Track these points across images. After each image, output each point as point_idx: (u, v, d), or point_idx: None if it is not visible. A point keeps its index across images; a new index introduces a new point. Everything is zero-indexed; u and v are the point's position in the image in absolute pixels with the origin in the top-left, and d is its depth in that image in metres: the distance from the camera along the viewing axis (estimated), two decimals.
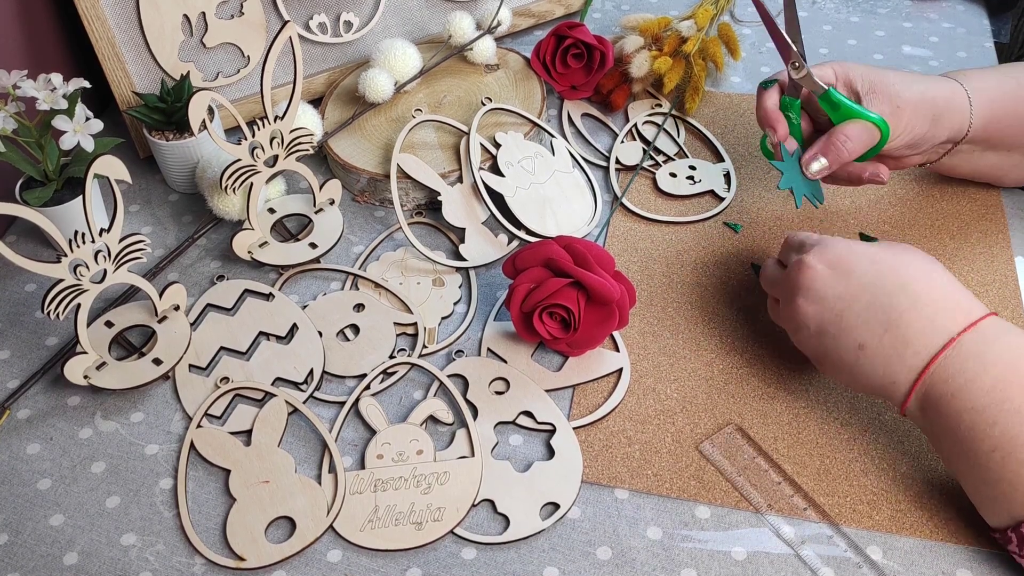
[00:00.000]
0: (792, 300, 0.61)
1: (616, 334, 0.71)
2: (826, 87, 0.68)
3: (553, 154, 0.84)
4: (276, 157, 0.76)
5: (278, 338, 0.73)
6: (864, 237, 0.75)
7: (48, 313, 0.64)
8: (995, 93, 0.70)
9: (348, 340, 0.72)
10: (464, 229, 0.79)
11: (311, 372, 0.70)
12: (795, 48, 0.68)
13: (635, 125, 0.89)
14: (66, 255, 0.64)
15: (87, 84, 0.73)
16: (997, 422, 0.53)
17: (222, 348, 0.72)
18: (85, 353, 0.68)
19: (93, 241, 0.65)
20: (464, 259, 0.77)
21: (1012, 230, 0.77)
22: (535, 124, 0.86)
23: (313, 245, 0.79)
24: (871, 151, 0.68)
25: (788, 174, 0.68)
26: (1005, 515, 0.54)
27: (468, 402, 0.67)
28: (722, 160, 0.86)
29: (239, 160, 0.73)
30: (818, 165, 0.68)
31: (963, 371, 0.54)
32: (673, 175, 0.84)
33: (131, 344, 0.73)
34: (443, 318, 0.74)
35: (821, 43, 0.99)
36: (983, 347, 0.54)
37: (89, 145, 0.72)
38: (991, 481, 0.54)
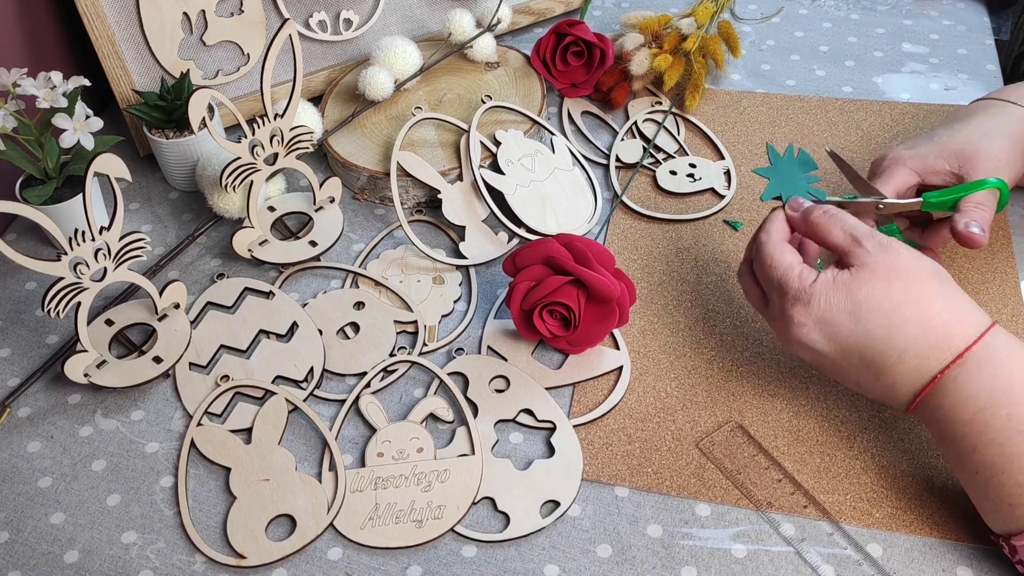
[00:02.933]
0: (785, 341, 0.60)
1: (616, 332, 0.71)
2: (920, 200, 0.65)
3: (553, 152, 0.84)
4: (276, 155, 0.76)
5: (278, 336, 0.73)
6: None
7: (48, 311, 0.64)
8: None
9: (348, 338, 0.72)
10: (464, 227, 0.79)
11: (311, 370, 0.70)
12: (873, 192, 0.65)
13: (635, 123, 0.89)
14: (66, 253, 0.64)
15: (87, 82, 0.73)
16: (976, 449, 0.54)
17: (222, 346, 0.72)
18: (85, 351, 0.68)
19: (93, 239, 0.65)
20: (464, 257, 0.77)
21: (1013, 228, 0.77)
22: (535, 122, 0.86)
23: (313, 243, 0.79)
24: (997, 208, 0.66)
25: (775, 181, 0.63)
26: (997, 524, 0.55)
27: (468, 400, 0.67)
28: (722, 158, 0.86)
29: (239, 158, 0.73)
30: (977, 228, 0.64)
31: (943, 406, 0.55)
32: (673, 173, 0.84)
33: (131, 342, 0.73)
34: (443, 316, 0.74)
35: (821, 41, 0.99)
36: (965, 380, 0.54)
37: (89, 143, 0.72)
38: (980, 494, 0.56)
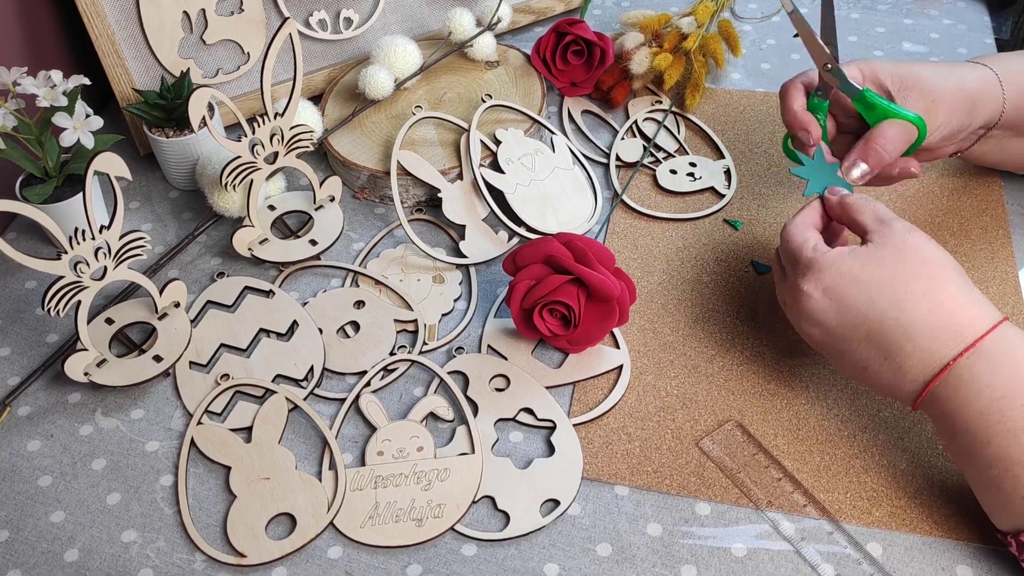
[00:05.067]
0: (794, 317, 0.61)
1: (616, 331, 0.71)
2: (860, 88, 0.66)
3: (553, 151, 0.84)
4: (276, 154, 0.76)
5: (278, 335, 0.73)
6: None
7: (48, 310, 0.64)
8: None
9: (348, 337, 0.72)
10: (464, 226, 0.79)
11: (311, 369, 0.70)
12: (828, 50, 0.66)
13: (635, 122, 0.89)
14: (66, 252, 0.64)
15: (87, 81, 0.73)
16: (991, 442, 0.53)
17: (222, 345, 0.72)
18: (85, 350, 0.68)
19: (93, 238, 0.65)
20: (464, 256, 0.77)
21: (1013, 227, 0.77)
22: (535, 121, 0.86)
23: (313, 242, 0.79)
24: (909, 149, 0.66)
25: (814, 181, 0.65)
26: (1007, 521, 0.55)
27: (468, 399, 0.67)
28: (722, 157, 0.86)
29: (239, 157, 0.73)
30: (859, 171, 0.65)
31: (956, 396, 0.54)
32: (673, 172, 0.84)
33: (131, 341, 0.73)
34: (443, 315, 0.74)
35: None
36: (980, 368, 0.54)
37: (89, 142, 0.72)
38: (992, 489, 0.54)
